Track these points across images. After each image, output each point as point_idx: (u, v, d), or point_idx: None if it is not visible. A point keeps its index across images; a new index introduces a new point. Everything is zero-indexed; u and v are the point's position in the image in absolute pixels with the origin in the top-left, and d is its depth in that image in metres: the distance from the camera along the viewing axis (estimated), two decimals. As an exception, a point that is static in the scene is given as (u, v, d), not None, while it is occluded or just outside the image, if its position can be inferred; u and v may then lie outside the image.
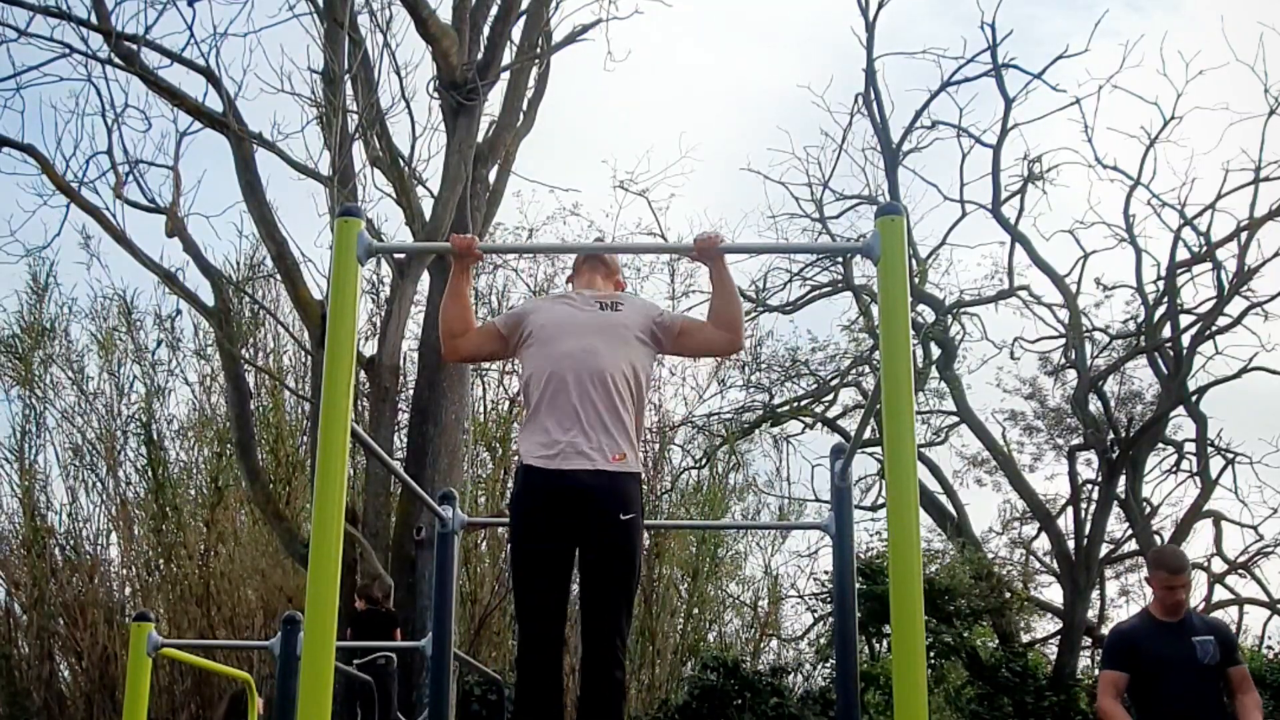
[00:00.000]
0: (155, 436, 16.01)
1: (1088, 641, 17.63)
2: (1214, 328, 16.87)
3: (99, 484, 15.93)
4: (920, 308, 17.46)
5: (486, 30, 11.91)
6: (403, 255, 11.21)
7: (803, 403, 17.99)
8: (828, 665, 15.55)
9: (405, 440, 12.51)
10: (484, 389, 16.79)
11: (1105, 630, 18.64)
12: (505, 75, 11.95)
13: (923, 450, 17.47)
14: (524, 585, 3.60)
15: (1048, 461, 18.96)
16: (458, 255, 3.69)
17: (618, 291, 4.07)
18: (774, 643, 18.07)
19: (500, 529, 15.70)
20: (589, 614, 3.57)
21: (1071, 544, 16.98)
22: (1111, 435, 17.29)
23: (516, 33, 11.96)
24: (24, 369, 16.20)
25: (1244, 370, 17.04)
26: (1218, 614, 18.72)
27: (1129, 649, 4.86)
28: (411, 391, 12.26)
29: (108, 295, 16.71)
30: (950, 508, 17.84)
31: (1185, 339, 16.94)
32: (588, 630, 3.57)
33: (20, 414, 16.15)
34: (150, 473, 15.82)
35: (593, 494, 3.56)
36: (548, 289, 17.37)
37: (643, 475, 3.78)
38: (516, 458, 3.86)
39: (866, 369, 17.28)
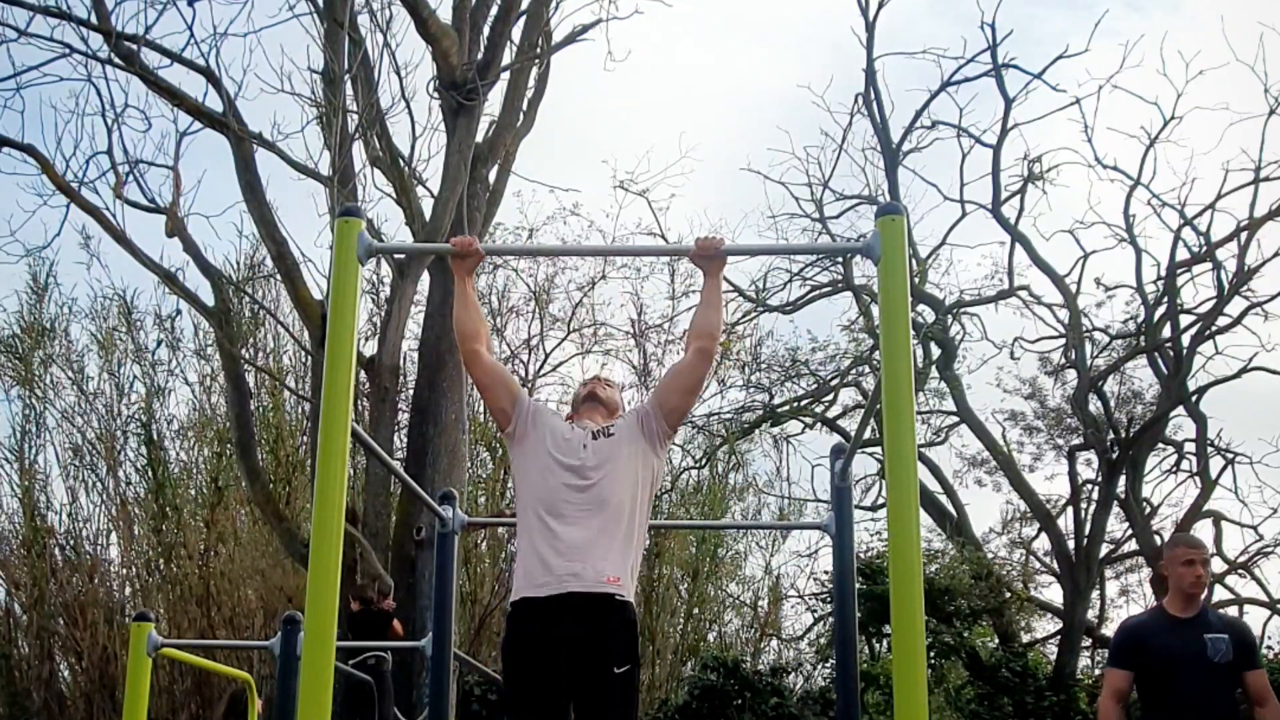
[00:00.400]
0: (155, 436, 16.01)
1: (1088, 642, 17.63)
2: (1214, 328, 16.86)
3: (99, 484, 15.94)
4: (920, 308, 17.46)
5: (486, 30, 11.91)
6: (403, 255, 11.21)
7: (803, 403, 17.99)
8: (828, 665, 15.55)
9: (405, 440, 12.52)
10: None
11: (1105, 630, 18.65)
12: (505, 75, 11.95)
13: (923, 450, 17.46)
14: None
15: (1048, 462, 18.98)
16: (457, 256, 3.67)
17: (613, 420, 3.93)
18: (774, 643, 18.08)
19: (500, 529, 15.72)
20: None
21: (1071, 544, 16.98)
22: (1111, 435, 17.30)
23: (516, 33, 11.97)
24: (24, 369, 16.20)
25: (1244, 370, 17.03)
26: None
27: (1135, 645, 4.65)
28: (411, 391, 12.27)
29: (107, 295, 16.73)
30: (950, 508, 17.84)
31: (1185, 339, 16.94)
32: None
33: (20, 414, 16.17)
34: (150, 473, 15.82)
35: (586, 636, 3.46)
36: (548, 289, 17.39)
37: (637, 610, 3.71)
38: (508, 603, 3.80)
39: (866, 369, 17.28)
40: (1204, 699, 4.48)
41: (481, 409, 16.69)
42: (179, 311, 16.31)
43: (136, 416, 16.20)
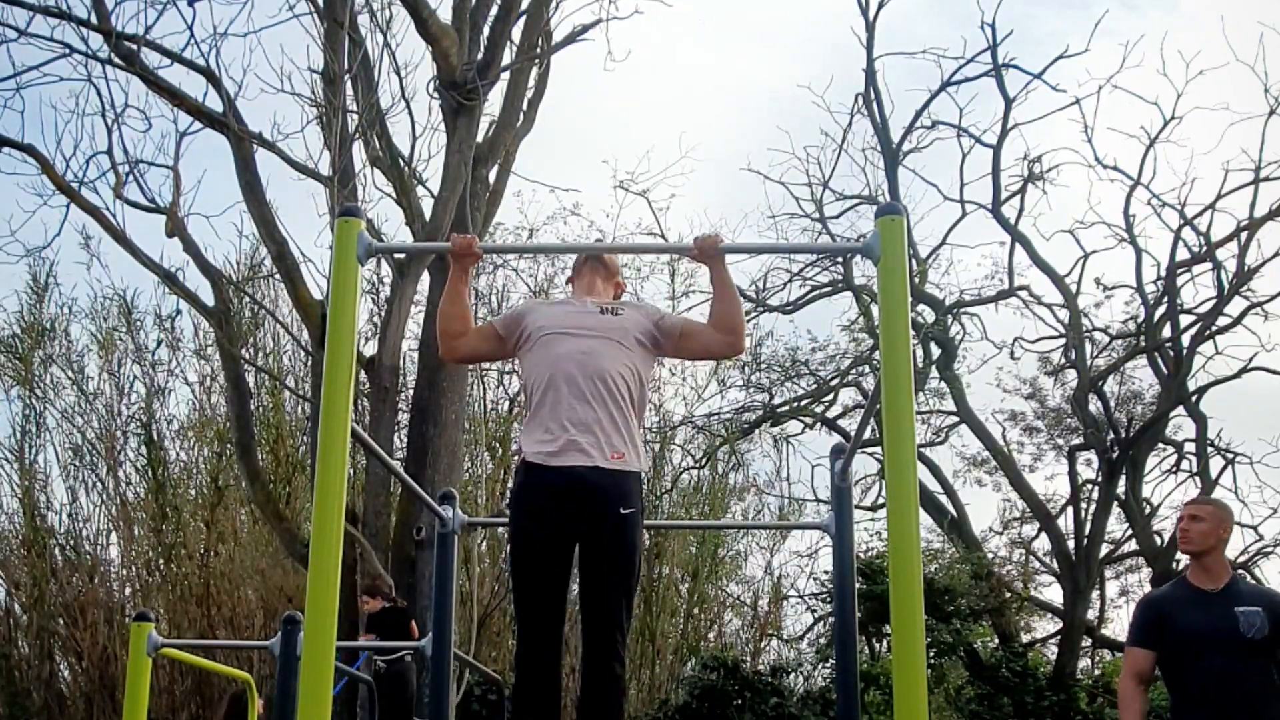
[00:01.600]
0: (155, 437, 16.01)
1: (1088, 641, 17.63)
2: (1214, 328, 16.87)
3: (99, 484, 15.94)
4: (920, 308, 17.46)
5: (486, 30, 11.91)
6: (403, 255, 11.21)
7: (803, 403, 17.98)
8: (828, 665, 15.55)
9: (405, 440, 12.51)
10: (484, 389, 16.80)
11: (1105, 630, 18.66)
12: (505, 75, 11.95)
13: (923, 450, 17.46)
14: (524, 583, 3.61)
15: (1047, 462, 18.99)
16: (457, 255, 3.69)
17: (618, 295, 4.08)
18: (774, 643, 18.08)
19: (500, 529, 15.72)
20: (589, 611, 3.58)
21: (1071, 544, 16.98)
22: (1111, 435, 17.30)
23: (516, 33, 11.96)
24: (24, 369, 16.20)
25: (1244, 370, 17.03)
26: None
27: (1155, 620, 4.33)
28: (411, 391, 12.26)
29: (107, 295, 16.73)
30: (950, 508, 17.84)
31: (1185, 339, 16.94)
32: (588, 627, 3.58)
33: (20, 414, 16.17)
34: (150, 473, 15.82)
35: (592, 490, 3.57)
36: (548, 289, 17.37)
37: (643, 476, 3.80)
38: (517, 457, 3.86)
39: (866, 369, 17.27)
40: (1236, 679, 4.11)
41: (481, 409, 16.70)
42: (179, 311, 16.33)
43: (136, 417, 16.21)
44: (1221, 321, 16.85)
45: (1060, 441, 18.71)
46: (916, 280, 17.29)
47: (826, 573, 15.69)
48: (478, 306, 15.37)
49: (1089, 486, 17.68)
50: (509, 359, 4.01)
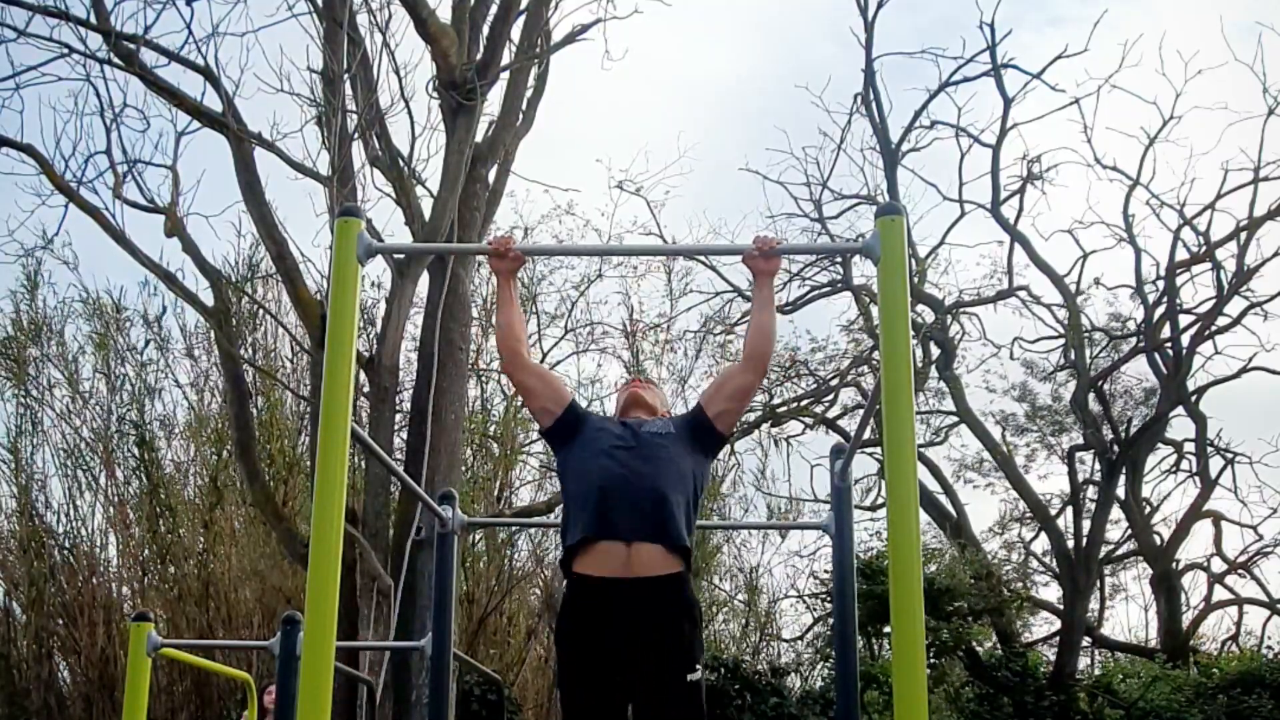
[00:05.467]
0: (147, 437, 16.00)
1: (1087, 641, 17.64)
2: (1214, 328, 16.88)
3: (95, 484, 15.93)
4: (920, 308, 17.46)
5: (486, 30, 11.90)
6: (402, 255, 11.20)
7: (803, 403, 17.98)
8: (828, 665, 15.55)
9: (405, 440, 12.50)
10: (483, 389, 16.80)
11: (1105, 630, 18.68)
12: (505, 75, 11.94)
13: (923, 450, 17.46)
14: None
15: (1040, 462, 19.01)
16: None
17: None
18: (774, 643, 18.08)
19: (499, 530, 15.72)
20: None
21: (1071, 544, 16.98)
22: (1111, 435, 17.30)
23: (516, 32, 11.96)
24: (18, 369, 16.18)
25: (1244, 370, 17.05)
26: (1216, 614, 18.77)
27: None
28: (411, 392, 12.25)
29: (95, 296, 16.69)
30: (950, 508, 17.85)
31: (1185, 339, 16.95)
32: None
33: (15, 414, 16.16)
34: (144, 474, 15.82)
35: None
36: (535, 284, 17.31)
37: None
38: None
39: (866, 369, 17.28)
40: None
41: (479, 408, 16.70)
42: (164, 310, 16.32)
43: (127, 417, 16.19)
44: (1221, 321, 16.88)
45: (1053, 441, 18.73)
46: (916, 280, 17.29)
47: (827, 572, 15.69)
48: (480, 302, 15.30)
49: (1088, 486, 17.68)
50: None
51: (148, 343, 16.52)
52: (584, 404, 3.92)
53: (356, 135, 11.09)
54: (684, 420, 3.78)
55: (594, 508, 3.50)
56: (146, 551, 15.66)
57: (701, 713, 3.41)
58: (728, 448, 17.65)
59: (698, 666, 3.44)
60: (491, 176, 12.10)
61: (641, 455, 3.58)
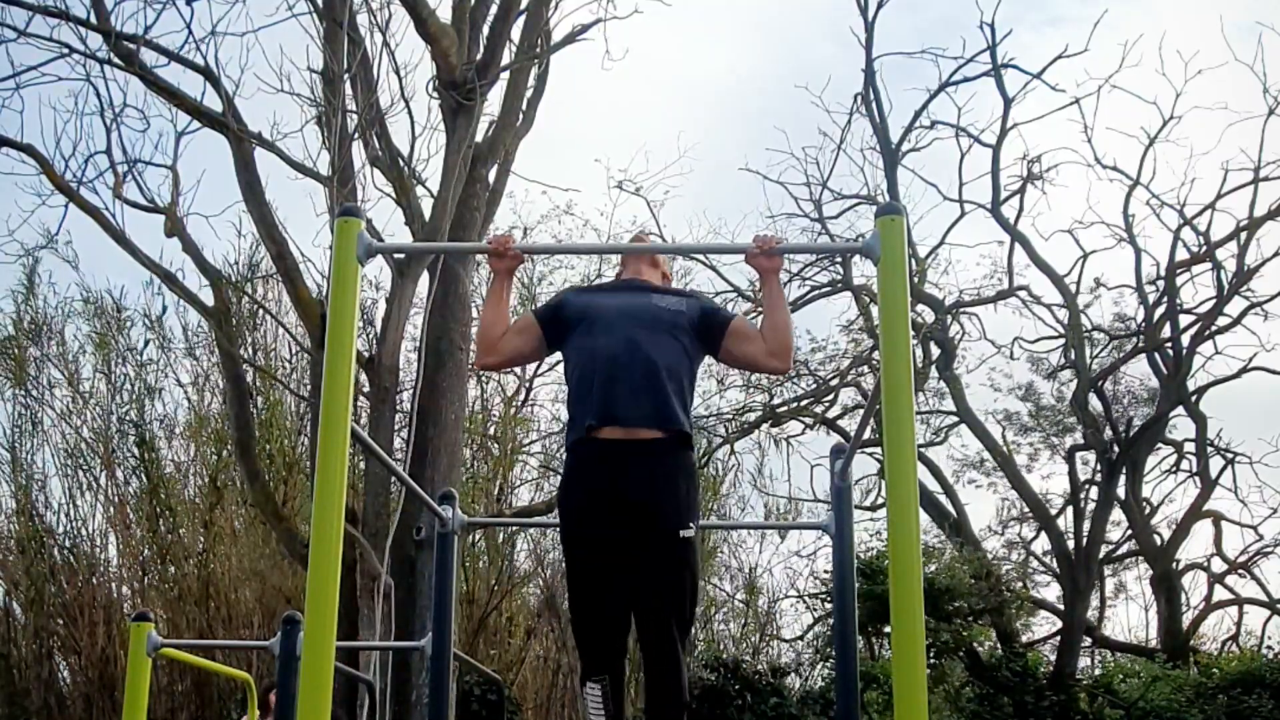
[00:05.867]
0: (147, 437, 16.00)
1: (1087, 641, 17.63)
2: (1214, 328, 16.88)
3: (95, 484, 15.93)
4: (920, 308, 17.45)
5: (486, 30, 11.90)
6: (402, 255, 11.20)
7: (803, 403, 17.98)
8: (828, 665, 15.54)
9: (405, 440, 12.50)
10: (483, 389, 16.79)
11: (1105, 630, 18.67)
12: (505, 75, 11.94)
13: (923, 450, 17.46)
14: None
15: (1043, 461, 19.02)
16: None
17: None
18: (774, 643, 18.07)
19: (498, 530, 15.71)
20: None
21: (1071, 544, 16.98)
22: (1111, 435, 17.30)
23: (516, 32, 11.96)
24: (18, 369, 16.18)
25: (1244, 370, 17.05)
26: (1216, 614, 18.78)
27: None
28: (411, 392, 12.25)
29: (96, 296, 16.69)
30: (950, 508, 17.84)
31: (1185, 339, 16.95)
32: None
33: (16, 414, 16.15)
34: (144, 474, 15.81)
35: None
36: (535, 283, 17.30)
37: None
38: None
39: (866, 369, 17.27)
40: None
41: (479, 408, 16.69)
42: (165, 309, 16.32)
43: (127, 417, 16.19)
44: (1221, 321, 16.87)
45: (1055, 441, 18.73)
46: (916, 280, 17.29)
47: (827, 572, 15.69)
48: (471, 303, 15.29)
49: (1088, 486, 17.68)
50: (548, 355, 3.90)
51: (147, 343, 16.53)
52: (554, 299, 3.94)
53: (356, 135, 11.09)
54: (700, 312, 3.81)
55: (597, 396, 3.59)
56: (147, 551, 15.65)
57: (693, 568, 3.61)
58: (727, 448, 17.67)
59: (691, 524, 3.57)
60: (491, 176, 12.10)
61: (648, 327, 3.64)
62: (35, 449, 16.09)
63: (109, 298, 16.59)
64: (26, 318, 16.47)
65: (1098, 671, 17.55)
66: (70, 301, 16.63)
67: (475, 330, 3.94)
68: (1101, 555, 17.51)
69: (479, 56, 11.63)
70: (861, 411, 15.43)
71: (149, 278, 15.51)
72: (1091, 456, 17.61)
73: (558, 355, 3.90)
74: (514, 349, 3.85)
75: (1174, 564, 17.74)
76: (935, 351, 17.74)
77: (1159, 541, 17.84)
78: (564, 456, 3.73)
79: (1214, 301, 16.76)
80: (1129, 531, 18.21)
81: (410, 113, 11.90)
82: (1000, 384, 18.82)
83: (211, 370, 16.03)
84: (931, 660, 14.47)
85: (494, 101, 12.05)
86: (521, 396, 17.15)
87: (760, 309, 17.76)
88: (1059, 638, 16.76)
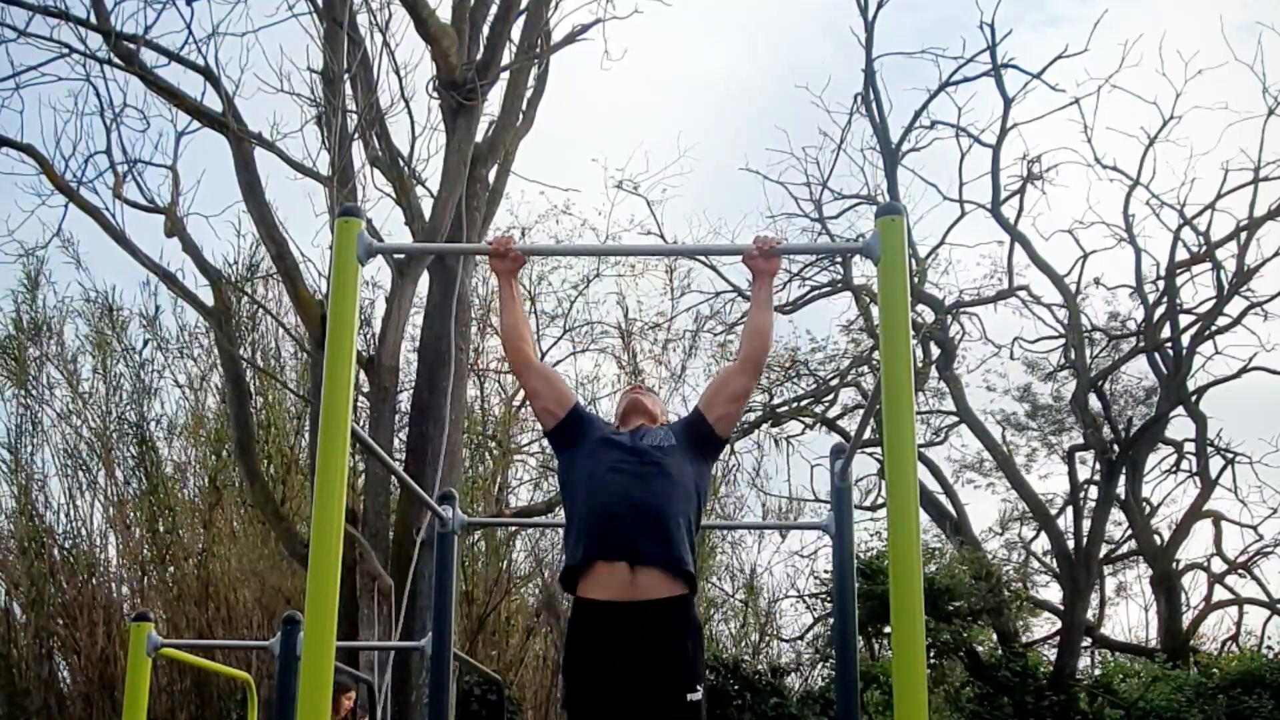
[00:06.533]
0: (145, 437, 16.00)
1: (1087, 641, 17.63)
2: (1214, 328, 16.88)
3: (95, 485, 15.92)
4: (920, 308, 17.45)
5: (486, 30, 11.90)
6: (402, 255, 11.20)
7: (803, 403, 17.99)
8: (828, 665, 15.54)
9: (406, 440, 12.50)
10: (482, 389, 16.79)
11: (1105, 630, 18.67)
12: (505, 75, 11.94)
13: (923, 450, 17.46)
14: None
15: (1040, 461, 19.02)
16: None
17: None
18: (774, 643, 18.07)
19: (498, 530, 15.71)
20: None
21: (1071, 544, 16.98)
22: (1111, 435, 17.30)
23: (516, 32, 11.96)
24: (19, 369, 16.18)
25: (1244, 370, 17.05)
26: (1216, 614, 18.78)
27: None
28: (411, 391, 12.25)
29: (95, 295, 16.68)
30: (950, 508, 17.84)
31: (1185, 339, 16.95)
32: None
33: (16, 414, 16.15)
34: (143, 474, 15.81)
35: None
36: (536, 284, 17.29)
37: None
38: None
39: (866, 369, 17.28)
40: None
41: (479, 409, 16.68)
42: (159, 309, 16.32)
43: (126, 417, 16.19)
44: (1221, 321, 16.87)
45: (1053, 441, 18.73)
46: (916, 280, 17.29)
47: (827, 572, 15.69)
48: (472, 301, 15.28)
49: (1088, 486, 17.68)
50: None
51: (146, 342, 16.53)
52: (586, 405, 3.89)
53: (356, 135, 11.09)
54: (683, 427, 3.77)
55: (597, 530, 3.52)
56: (146, 552, 15.65)
57: None
58: (727, 448, 17.66)
59: (698, 687, 3.48)
60: (491, 176, 12.10)
61: (644, 474, 3.57)
62: (36, 449, 16.10)
63: (107, 298, 16.60)
64: (26, 317, 16.47)
65: (1098, 671, 17.55)
66: (69, 301, 16.64)
67: (500, 338, 3.89)
68: (1101, 555, 17.51)
69: (479, 56, 11.63)
70: (861, 411, 15.42)
71: (145, 278, 15.56)
72: (1091, 456, 17.61)
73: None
74: (540, 381, 3.82)
75: (1174, 564, 17.74)
76: (935, 351, 17.74)
77: (1159, 541, 17.84)
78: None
79: (1214, 301, 16.76)
80: (1129, 531, 18.21)
81: (410, 113, 11.91)
82: (995, 384, 18.84)
83: (209, 370, 16.05)
84: (931, 660, 14.48)
85: (494, 101, 12.05)
86: (521, 396, 17.17)
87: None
88: (1059, 638, 16.76)
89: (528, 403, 16.67)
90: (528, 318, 3.87)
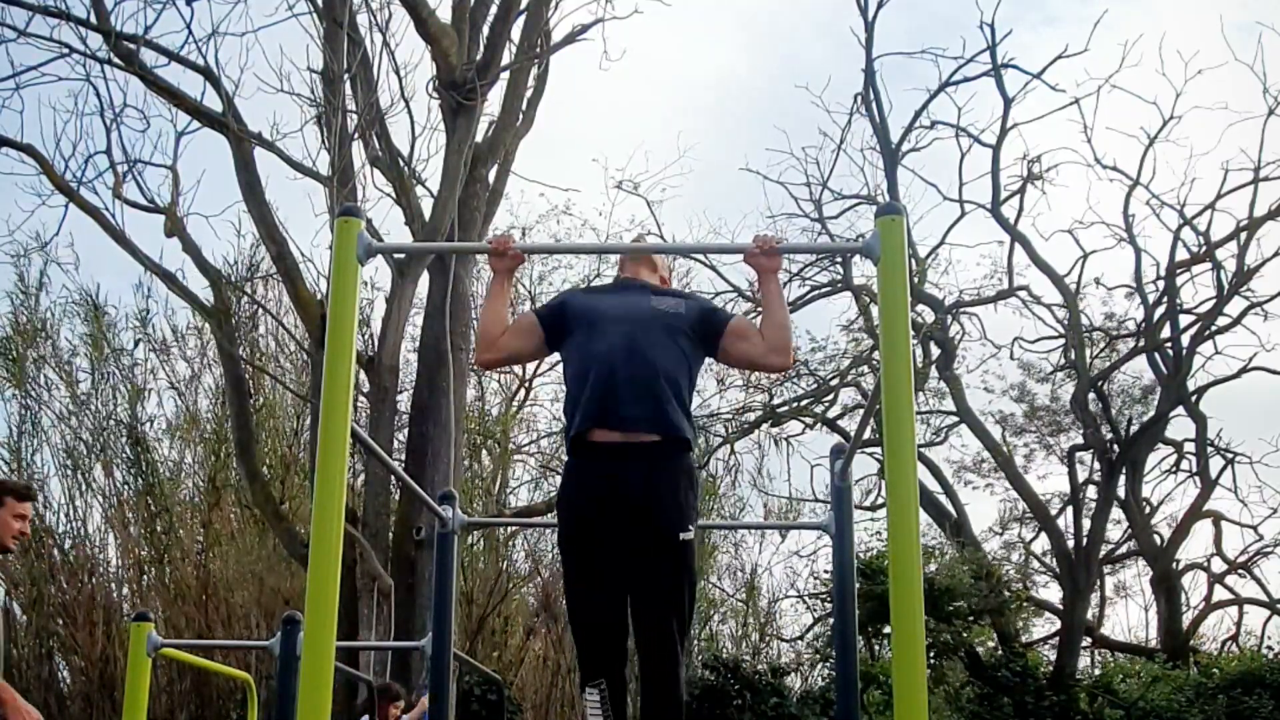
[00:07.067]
0: (139, 438, 15.99)
1: (1087, 641, 17.62)
2: (1214, 328, 16.87)
3: (93, 485, 15.92)
4: (920, 308, 17.45)
5: (486, 30, 11.90)
6: (402, 255, 11.20)
7: (803, 403, 17.98)
8: (828, 665, 15.54)
9: (406, 440, 12.51)
10: (482, 389, 16.79)
11: (1105, 630, 18.67)
12: (505, 75, 11.94)
13: (923, 450, 17.45)
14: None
15: (1040, 462, 19.01)
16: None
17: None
18: (774, 643, 18.07)
19: (498, 530, 15.71)
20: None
21: (1071, 544, 16.97)
22: (1111, 435, 17.29)
23: (516, 32, 11.96)
24: (17, 370, 16.17)
25: (1244, 370, 17.05)
26: (1216, 614, 18.78)
27: None
28: (411, 391, 12.26)
29: (90, 297, 16.66)
30: (950, 508, 17.84)
31: (1185, 339, 16.95)
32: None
33: (16, 414, 16.14)
34: (138, 474, 15.80)
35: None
36: (536, 284, 17.30)
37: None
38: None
39: (866, 369, 17.27)
40: None
41: (478, 409, 16.68)
42: (149, 310, 16.33)
43: (118, 416, 16.18)
44: (1221, 321, 16.87)
45: (1051, 441, 18.73)
46: (916, 280, 17.28)
47: (827, 572, 15.69)
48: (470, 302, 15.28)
49: (1088, 486, 17.68)
50: (548, 354, 3.89)
51: (137, 343, 16.53)
52: (556, 300, 3.93)
53: (356, 135, 11.10)
54: (699, 313, 3.78)
55: (595, 399, 3.57)
56: (144, 551, 15.65)
57: (690, 571, 3.55)
58: (727, 447, 17.66)
59: (690, 526, 3.55)
60: (491, 176, 12.10)
61: (647, 329, 3.62)
62: (36, 449, 16.10)
63: (93, 297, 16.59)
64: (23, 318, 16.46)
65: (1098, 671, 17.55)
66: (64, 303, 16.63)
67: (475, 328, 3.88)
68: (1101, 555, 17.50)
69: (479, 56, 11.63)
70: (861, 411, 15.42)
71: (136, 281, 15.57)
72: (1090, 456, 17.61)
73: (556, 355, 3.89)
74: (514, 348, 3.85)
75: (1174, 564, 17.74)
76: (935, 351, 17.74)
77: (1159, 541, 17.83)
78: (563, 458, 3.70)
79: (1214, 301, 16.76)
80: (1129, 531, 18.20)
81: (410, 113, 11.94)
82: (994, 385, 18.84)
83: (202, 370, 16.08)
84: (931, 660, 14.47)
85: (494, 101, 12.06)
86: (521, 396, 17.17)
87: (760, 309, 17.72)
88: (1059, 638, 16.75)
89: (527, 391, 16.70)
90: (508, 318, 3.87)
